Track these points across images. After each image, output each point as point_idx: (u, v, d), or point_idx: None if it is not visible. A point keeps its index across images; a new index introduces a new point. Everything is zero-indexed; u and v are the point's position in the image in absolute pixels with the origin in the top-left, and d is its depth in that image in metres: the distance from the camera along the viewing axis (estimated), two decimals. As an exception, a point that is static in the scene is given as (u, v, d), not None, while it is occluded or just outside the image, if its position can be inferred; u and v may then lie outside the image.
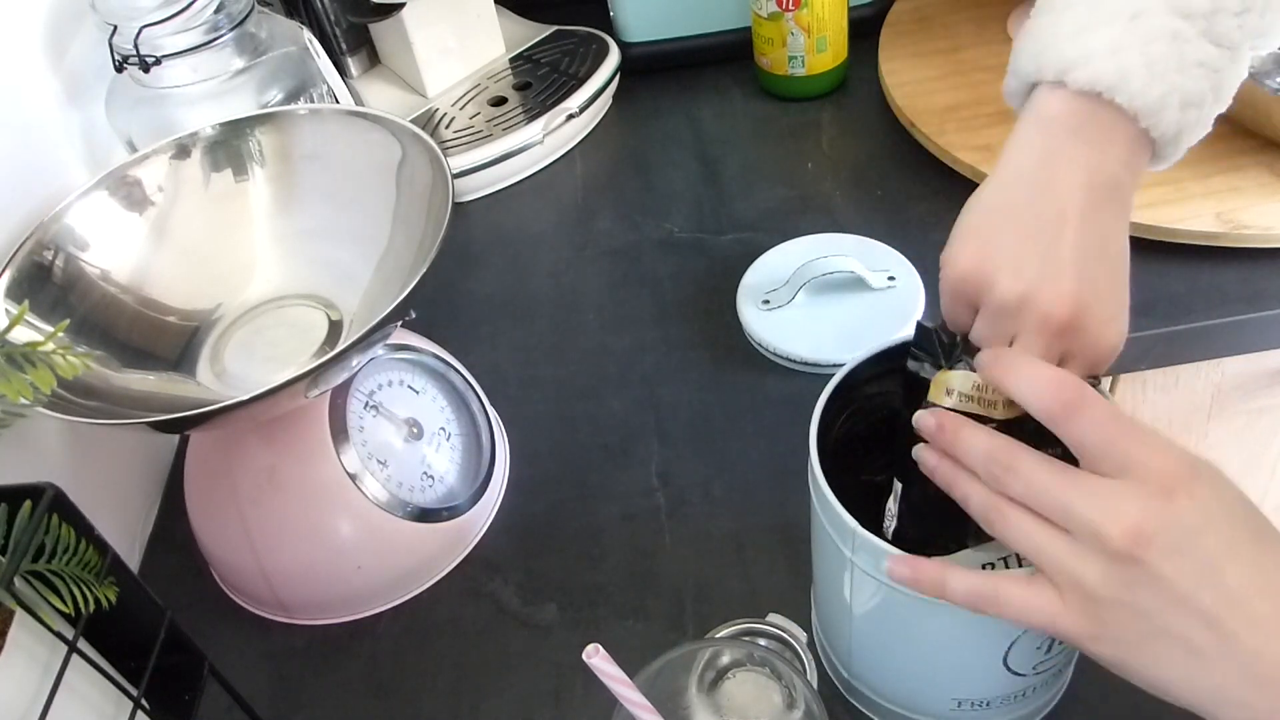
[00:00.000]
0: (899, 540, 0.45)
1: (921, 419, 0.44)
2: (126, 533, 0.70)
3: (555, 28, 1.03)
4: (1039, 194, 0.43)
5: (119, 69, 0.71)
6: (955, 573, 0.41)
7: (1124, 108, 0.42)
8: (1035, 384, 0.39)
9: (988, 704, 0.50)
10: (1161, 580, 0.36)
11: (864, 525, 0.44)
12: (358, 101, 0.97)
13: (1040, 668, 0.48)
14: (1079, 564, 0.37)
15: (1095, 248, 0.43)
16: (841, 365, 0.50)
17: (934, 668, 0.49)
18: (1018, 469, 0.39)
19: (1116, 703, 0.54)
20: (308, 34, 0.78)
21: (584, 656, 0.41)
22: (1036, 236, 0.43)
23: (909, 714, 0.53)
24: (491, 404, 0.70)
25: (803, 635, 0.53)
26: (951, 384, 0.44)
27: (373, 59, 1.03)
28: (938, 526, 0.45)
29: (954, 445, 0.42)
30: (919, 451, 0.44)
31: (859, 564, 0.46)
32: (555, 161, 0.95)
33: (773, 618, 0.54)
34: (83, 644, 0.44)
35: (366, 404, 0.61)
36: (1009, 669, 0.47)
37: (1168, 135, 0.43)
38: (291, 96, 0.75)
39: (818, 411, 0.48)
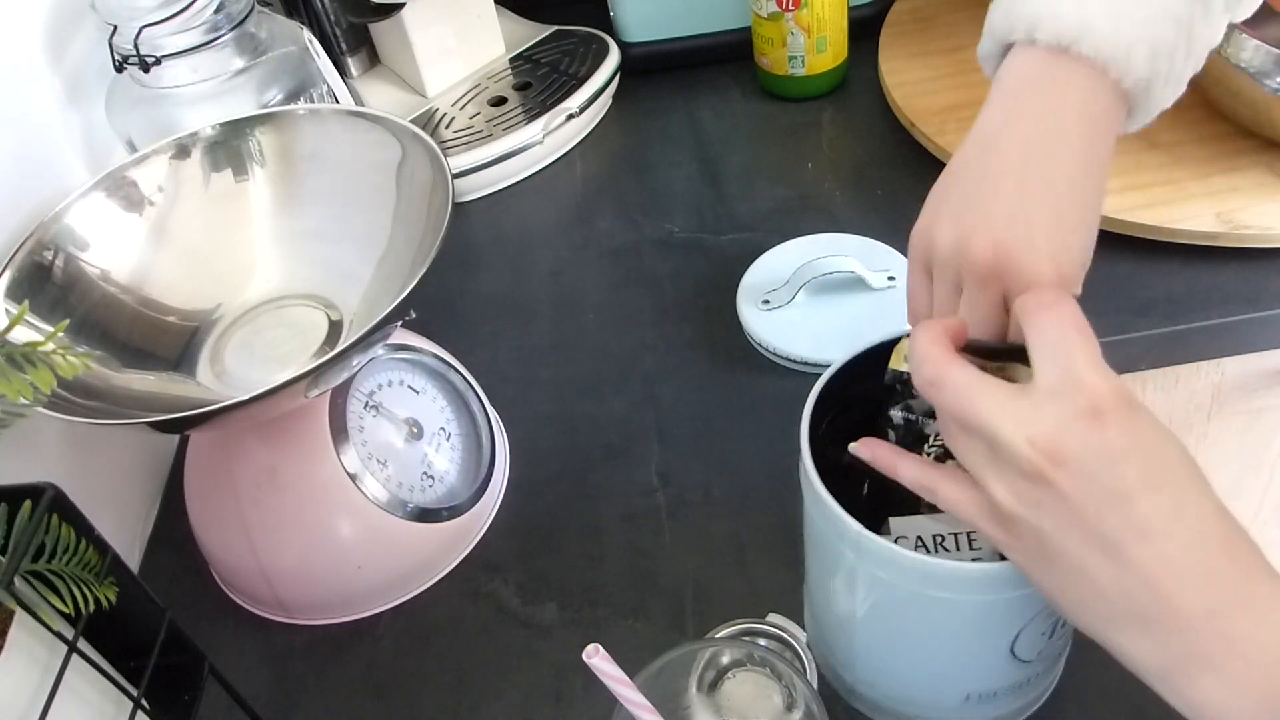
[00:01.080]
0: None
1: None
2: (126, 533, 0.70)
3: (555, 28, 1.03)
4: (986, 150, 0.44)
5: (119, 69, 0.71)
6: (905, 460, 0.43)
7: (1090, 58, 0.42)
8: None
9: (995, 695, 0.50)
10: (1066, 501, 0.36)
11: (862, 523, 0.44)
12: (358, 101, 0.97)
13: (1044, 654, 0.49)
14: (990, 475, 0.38)
15: (1036, 194, 0.42)
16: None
17: (942, 662, 0.49)
18: (944, 380, 0.39)
19: (1108, 687, 0.54)
20: (308, 34, 0.78)
21: (584, 656, 0.41)
22: (977, 190, 0.43)
23: (918, 714, 0.52)
24: (491, 404, 0.70)
25: (803, 635, 0.53)
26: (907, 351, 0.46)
27: (373, 59, 1.03)
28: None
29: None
30: (855, 449, 0.45)
31: (863, 565, 0.45)
32: (555, 161, 0.95)
33: (773, 618, 0.54)
34: (83, 644, 0.44)
35: (366, 404, 0.61)
36: (1016, 657, 0.47)
37: (1139, 85, 0.43)
38: (291, 96, 0.75)
39: (806, 415, 0.48)
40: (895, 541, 0.46)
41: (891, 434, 0.48)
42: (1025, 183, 0.42)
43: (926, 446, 0.48)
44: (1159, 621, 0.35)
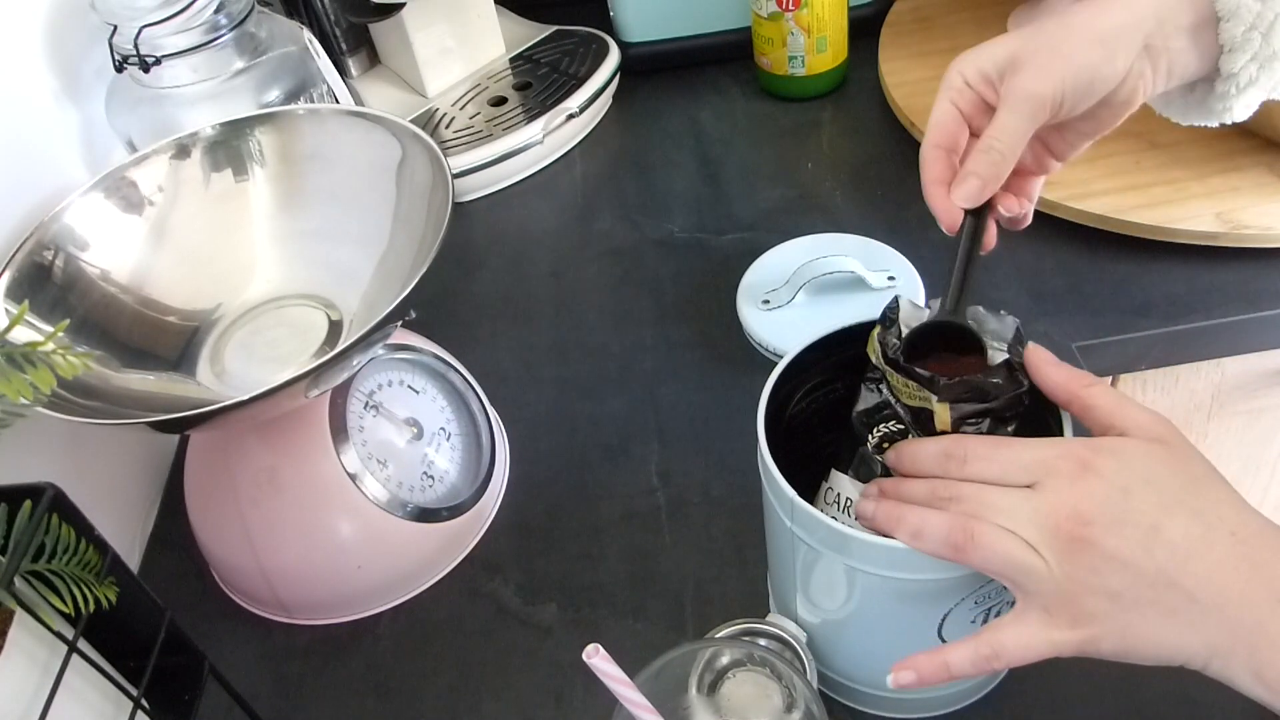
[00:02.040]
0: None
1: (865, 495, 0.47)
2: (126, 533, 0.70)
3: (555, 28, 1.03)
4: (1057, 18, 0.48)
5: (119, 69, 0.71)
6: (953, 652, 0.42)
7: None
8: (921, 457, 0.45)
9: None
10: (1112, 554, 0.38)
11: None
12: (358, 101, 0.97)
13: None
14: (1044, 566, 0.39)
15: (1061, 35, 0.47)
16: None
17: (874, 638, 0.51)
18: (961, 488, 0.43)
19: (1056, 681, 0.55)
20: (308, 34, 0.78)
21: (584, 656, 0.41)
22: (1034, 30, 0.48)
23: (855, 686, 0.54)
24: (491, 404, 0.70)
25: (803, 635, 0.53)
26: (871, 345, 0.48)
27: (373, 59, 1.03)
28: None
29: (902, 463, 0.46)
30: (859, 506, 0.47)
31: (799, 534, 0.47)
32: (555, 161, 0.95)
33: (772, 618, 0.54)
34: (83, 644, 0.44)
35: (366, 404, 0.61)
36: (944, 640, 0.48)
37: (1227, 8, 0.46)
38: (291, 96, 0.75)
39: (766, 392, 0.49)
40: (826, 494, 0.50)
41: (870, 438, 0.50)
42: (1065, 28, 0.47)
43: (879, 427, 0.50)
44: (1237, 625, 0.37)
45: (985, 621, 0.48)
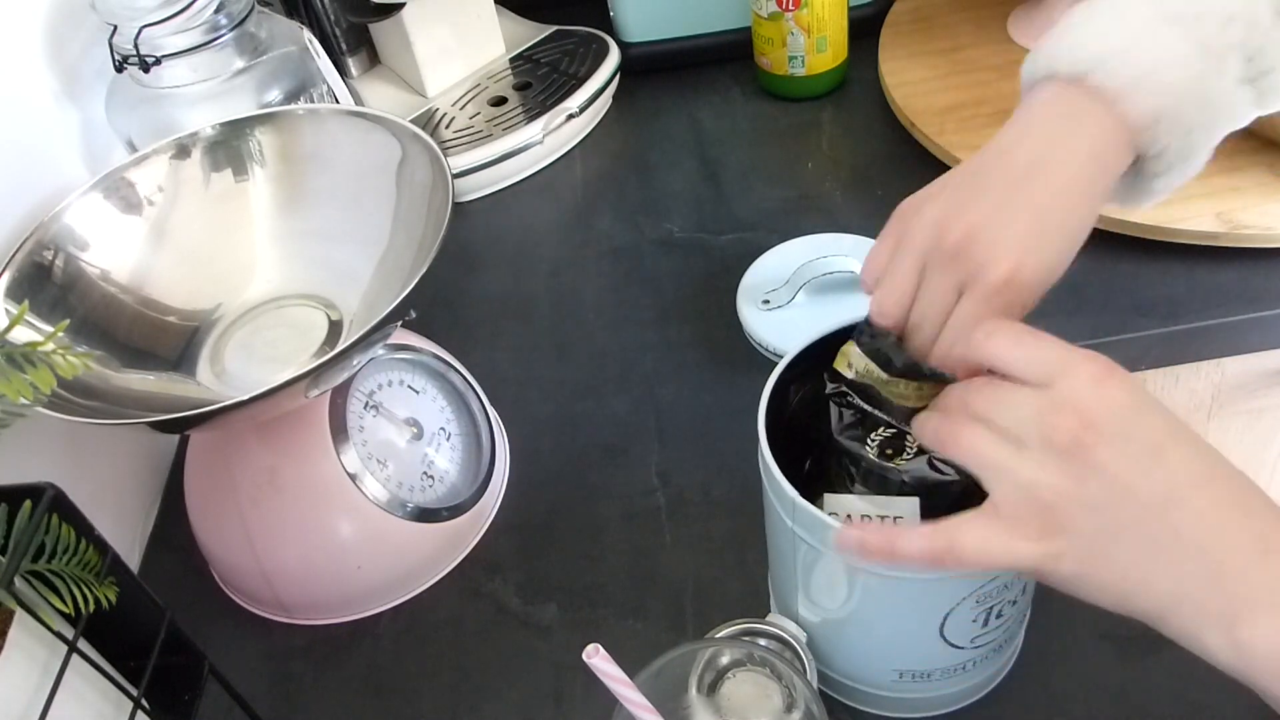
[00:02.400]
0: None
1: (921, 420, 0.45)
2: (126, 533, 0.70)
3: (555, 28, 1.03)
4: (995, 156, 0.46)
5: (119, 69, 0.71)
6: (904, 534, 0.40)
7: (1101, 87, 0.44)
8: (954, 324, 0.44)
9: (928, 675, 0.51)
10: (1109, 468, 0.36)
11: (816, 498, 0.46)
12: (358, 101, 0.97)
13: (978, 641, 0.50)
14: (1031, 467, 0.37)
15: (1025, 199, 0.45)
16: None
17: (874, 638, 0.51)
18: (980, 387, 0.41)
19: (1061, 678, 0.55)
20: (308, 34, 0.78)
21: (584, 656, 0.41)
22: (974, 184, 0.46)
23: (856, 685, 0.54)
24: (491, 404, 0.70)
25: (803, 635, 0.53)
26: (851, 359, 0.48)
27: (373, 59, 1.03)
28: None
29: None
30: (841, 537, 0.43)
31: (799, 534, 0.47)
32: (555, 161, 0.95)
33: (773, 617, 0.54)
34: (83, 644, 0.44)
35: (366, 404, 0.61)
36: (946, 640, 0.48)
37: (1146, 124, 0.44)
38: (291, 96, 0.75)
39: (766, 393, 0.49)
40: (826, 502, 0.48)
41: (842, 439, 0.50)
42: (1020, 187, 0.45)
43: (872, 435, 0.49)
44: (1219, 570, 0.35)
45: (987, 623, 0.48)
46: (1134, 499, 0.36)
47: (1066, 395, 0.38)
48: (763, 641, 0.53)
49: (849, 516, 0.49)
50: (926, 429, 0.42)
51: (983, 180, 0.46)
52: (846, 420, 0.49)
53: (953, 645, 0.49)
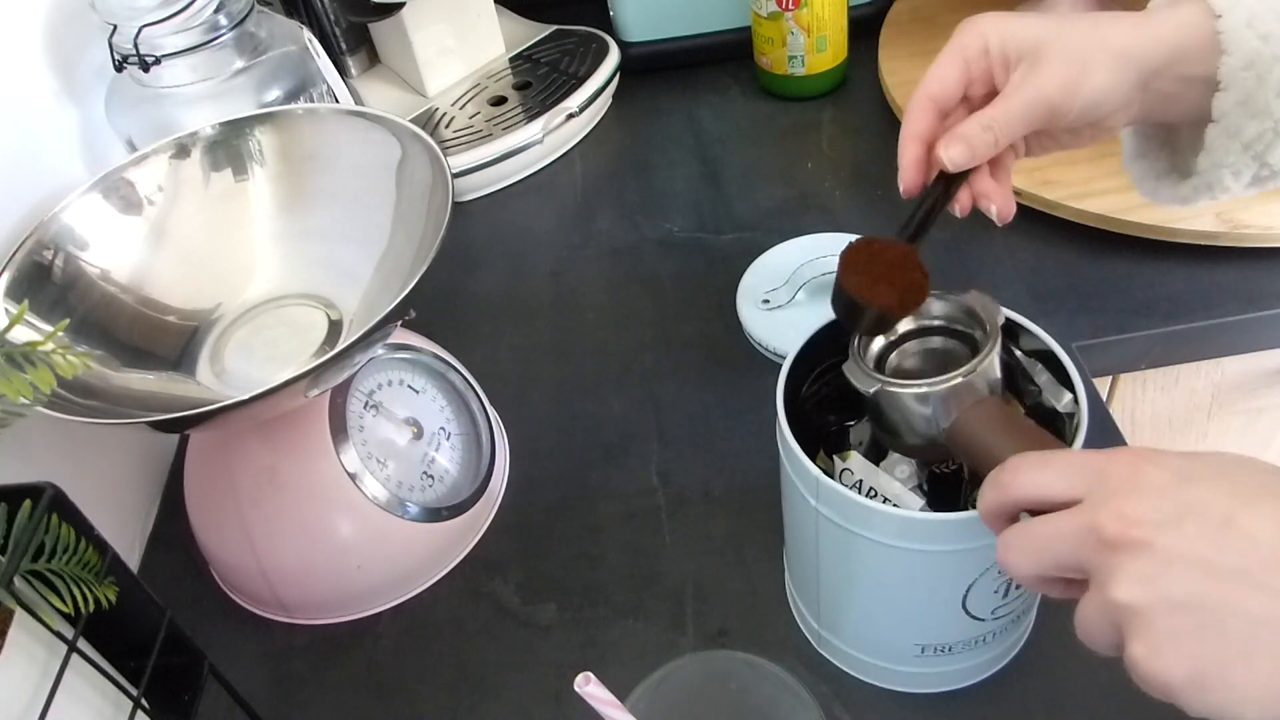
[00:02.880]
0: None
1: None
2: (126, 533, 0.69)
3: (555, 27, 1.03)
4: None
5: (119, 68, 0.71)
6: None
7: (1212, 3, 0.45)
8: (985, 488, 0.39)
9: (949, 649, 0.52)
10: (1176, 555, 0.32)
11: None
12: (358, 101, 0.97)
13: (999, 613, 0.50)
14: (1100, 593, 0.33)
15: (1091, 42, 0.45)
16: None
17: (896, 612, 0.51)
18: (1016, 535, 0.37)
19: (1079, 648, 0.55)
20: (308, 34, 0.77)
21: (575, 687, 0.40)
22: (1062, 22, 0.47)
23: (876, 662, 0.54)
24: (491, 404, 0.70)
25: (1000, 315, 0.47)
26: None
27: (373, 59, 1.03)
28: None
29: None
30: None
31: (824, 512, 0.47)
32: (555, 161, 0.95)
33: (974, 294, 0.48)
34: (82, 644, 0.44)
35: (366, 404, 0.61)
36: (968, 613, 0.49)
37: (1232, 36, 0.44)
38: (291, 96, 0.75)
39: (785, 368, 0.49)
40: (842, 475, 0.50)
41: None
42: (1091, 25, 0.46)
43: None
44: None
45: (1008, 594, 0.49)
46: (1219, 580, 0.31)
47: (1104, 499, 0.34)
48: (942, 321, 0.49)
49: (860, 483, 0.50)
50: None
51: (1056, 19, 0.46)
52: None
53: (974, 618, 0.49)
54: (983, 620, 0.50)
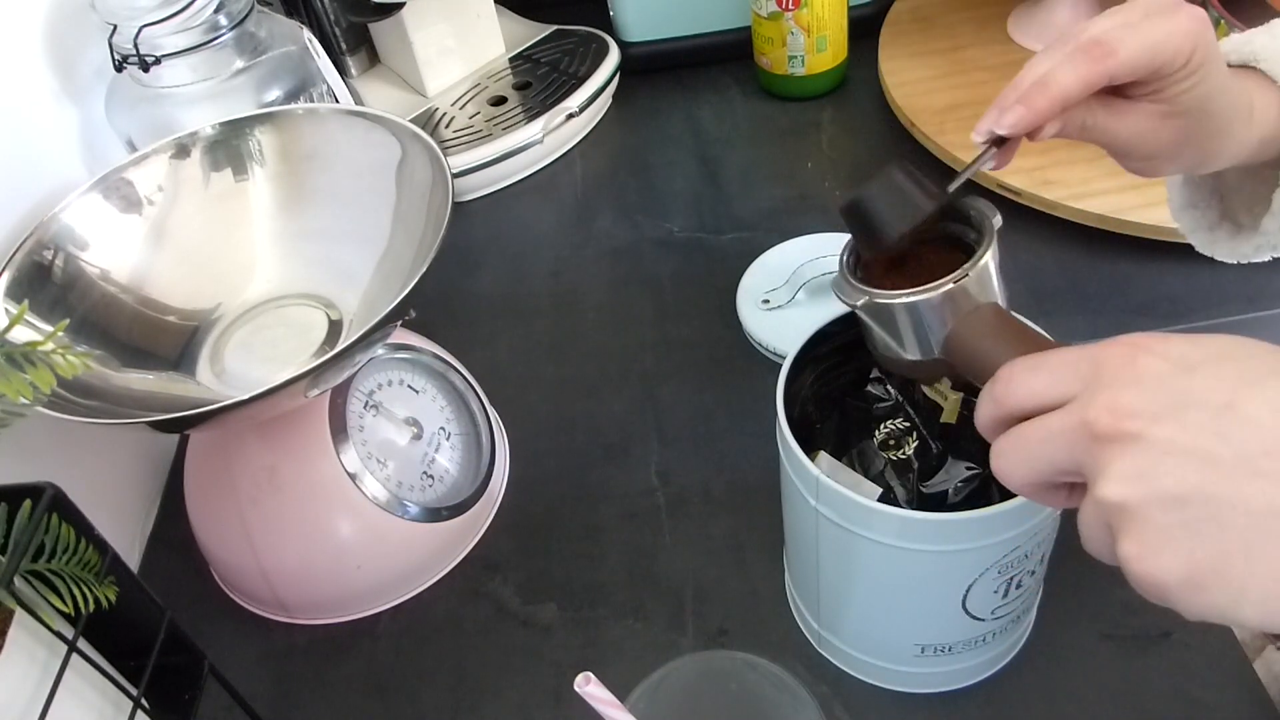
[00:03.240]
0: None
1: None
2: (126, 533, 0.69)
3: (555, 27, 1.03)
4: None
5: (119, 68, 0.71)
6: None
7: (1269, 71, 0.44)
8: (980, 403, 0.36)
9: (949, 649, 0.52)
10: (1171, 446, 0.29)
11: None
12: (358, 101, 0.97)
13: (999, 613, 0.50)
14: (1095, 495, 0.31)
15: None
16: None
17: (896, 612, 0.51)
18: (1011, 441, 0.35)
19: (1078, 651, 0.56)
20: (307, 34, 0.77)
21: (575, 687, 0.40)
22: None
23: (876, 662, 0.55)
24: (491, 404, 0.70)
25: (995, 218, 0.45)
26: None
27: (373, 59, 1.03)
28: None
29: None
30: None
31: (824, 512, 0.47)
32: (555, 161, 0.95)
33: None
34: (82, 644, 0.44)
35: (366, 403, 0.61)
36: (968, 613, 0.49)
37: None
38: (291, 96, 0.75)
39: (785, 369, 0.49)
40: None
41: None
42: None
43: (885, 424, 0.51)
44: None
45: (1008, 593, 0.49)
46: (1220, 472, 0.29)
47: (1096, 392, 0.32)
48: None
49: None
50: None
51: None
52: (880, 403, 0.50)
53: (974, 618, 0.49)
54: (983, 620, 0.50)
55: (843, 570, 0.51)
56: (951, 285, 0.41)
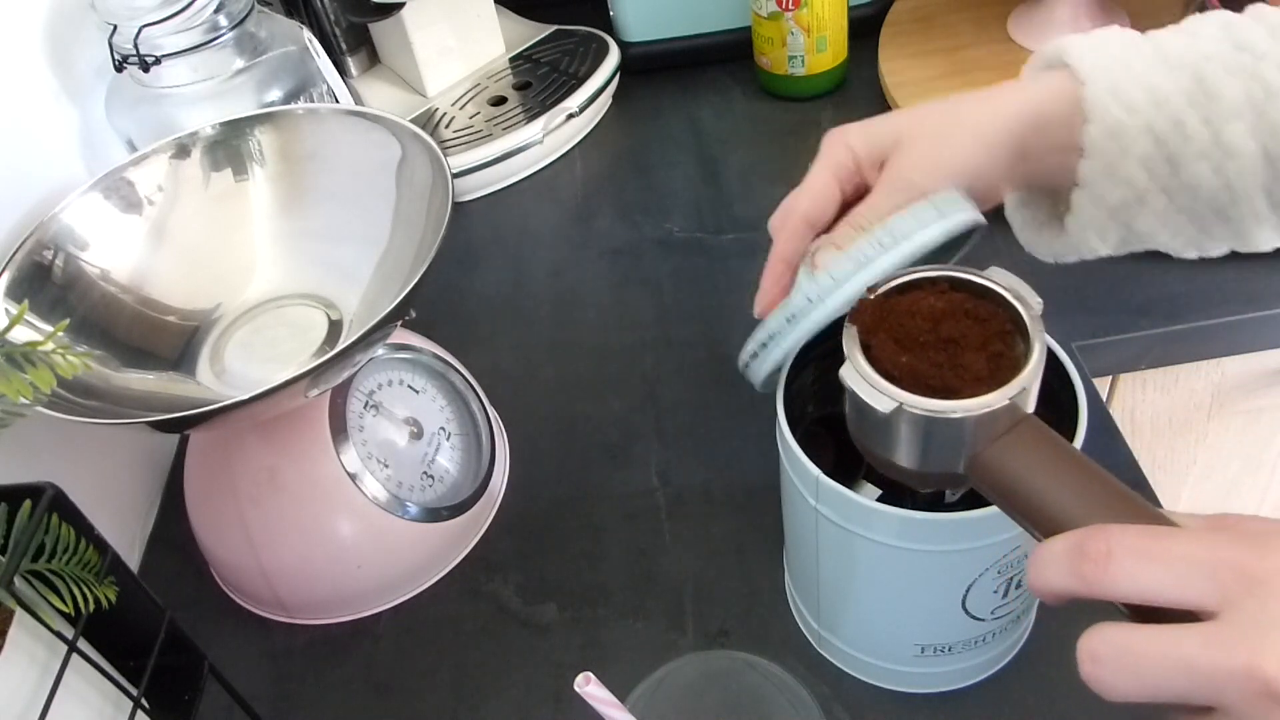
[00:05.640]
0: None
1: None
2: (126, 533, 0.69)
3: (555, 27, 1.03)
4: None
5: (119, 69, 0.71)
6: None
7: (1076, 69, 0.45)
8: (1051, 564, 0.31)
9: (949, 649, 0.52)
10: None
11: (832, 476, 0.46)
12: (358, 101, 0.97)
13: (999, 613, 0.50)
14: None
15: (948, 125, 0.46)
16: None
17: (896, 612, 0.51)
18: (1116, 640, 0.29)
19: (1073, 651, 0.55)
20: (308, 34, 0.78)
21: (576, 687, 0.40)
22: (921, 113, 0.48)
23: (876, 662, 0.55)
24: (491, 404, 0.70)
25: (1036, 302, 0.41)
26: None
27: (373, 59, 1.03)
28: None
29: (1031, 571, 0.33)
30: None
31: (823, 512, 0.47)
32: (555, 161, 0.95)
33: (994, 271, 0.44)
34: (82, 644, 0.44)
35: (366, 404, 0.61)
36: (968, 613, 0.49)
37: (1096, 104, 0.44)
38: (291, 96, 0.75)
39: (784, 368, 0.49)
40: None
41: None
42: (954, 107, 0.47)
43: None
44: None
45: (1008, 593, 0.49)
46: None
47: (1261, 627, 0.26)
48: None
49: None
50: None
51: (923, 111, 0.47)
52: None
53: (974, 618, 0.49)
54: (983, 620, 0.50)
55: (842, 570, 0.51)
56: (1005, 403, 0.35)
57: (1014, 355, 0.38)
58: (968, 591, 0.47)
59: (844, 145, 0.47)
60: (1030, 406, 0.37)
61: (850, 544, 0.48)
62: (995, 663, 0.55)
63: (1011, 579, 0.48)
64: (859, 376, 0.38)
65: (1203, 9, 0.75)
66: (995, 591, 0.48)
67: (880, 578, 0.49)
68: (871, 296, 0.41)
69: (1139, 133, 0.44)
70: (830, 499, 0.46)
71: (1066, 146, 0.46)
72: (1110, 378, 0.76)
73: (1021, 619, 0.54)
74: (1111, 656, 0.28)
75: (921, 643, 0.52)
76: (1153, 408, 0.80)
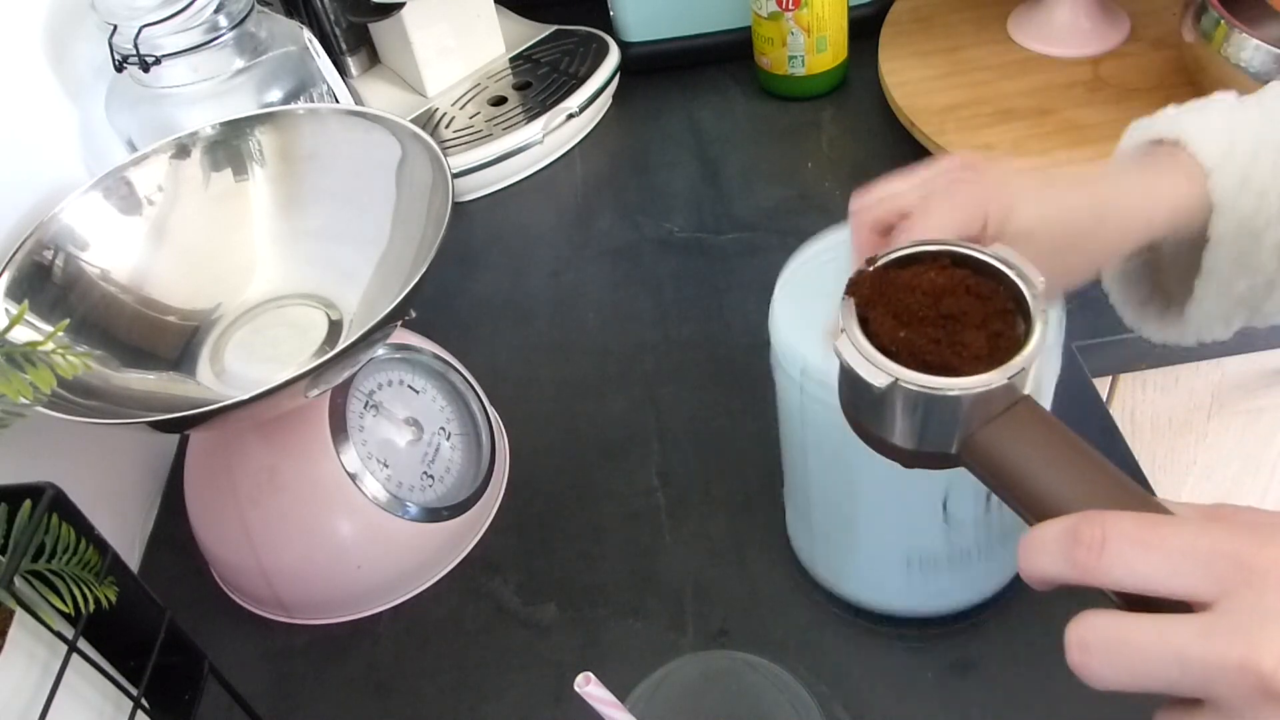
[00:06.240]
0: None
1: None
2: (126, 533, 0.69)
3: (555, 27, 1.03)
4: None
5: (119, 69, 0.71)
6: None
7: (1184, 145, 0.43)
8: (1043, 549, 0.30)
9: (935, 563, 0.53)
10: None
11: None
12: (358, 101, 0.97)
13: (981, 525, 0.51)
14: None
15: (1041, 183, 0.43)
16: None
17: (881, 522, 0.52)
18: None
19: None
20: (308, 34, 0.78)
21: (576, 687, 0.40)
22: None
23: (866, 576, 0.56)
24: (491, 404, 0.70)
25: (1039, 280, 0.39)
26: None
27: (373, 59, 1.03)
28: None
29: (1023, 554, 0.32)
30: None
31: (810, 390, 0.47)
32: (555, 161, 0.95)
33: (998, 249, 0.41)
34: (82, 644, 0.44)
35: (366, 404, 0.61)
36: (950, 515, 0.49)
37: (1226, 194, 0.42)
38: (291, 96, 0.75)
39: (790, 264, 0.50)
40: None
41: None
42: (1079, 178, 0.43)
43: None
44: None
45: (989, 508, 0.49)
46: None
47: (1258, 619, 0.26)
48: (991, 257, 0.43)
49: None
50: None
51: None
52: None
53: (958, 521, 0.50)
54: (965, 525, 0.50)
55: (831, 472, 0.51)
56: (1003, 381, 0.34)
57: (1014, 335, 0.36)
58: (948, 494, 0.48)
59: (982, 211, 0.41)
60: (1028, 388, 0.36)
61: (834, 429, 0.43)
62: (986, 588, 0.56)
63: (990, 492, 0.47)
64: (854, 350, 0.36)
65: (1202, 9, 0.75)
66: (975, 500, 0.48)
67: (868, 480, 0.49)
68: (871, 269, 0.39)
69: (1272, 220, 0.42)
70: (816, 376, 0.46)
71: (1187, 235, 0.44)
72: (1110, 378, 0.76)
73: (1007, 541, 0.54)
74: (1101, 645, 0.28)
75: (907, 553, 0.52)
76: (1153, 408, 0.80)
